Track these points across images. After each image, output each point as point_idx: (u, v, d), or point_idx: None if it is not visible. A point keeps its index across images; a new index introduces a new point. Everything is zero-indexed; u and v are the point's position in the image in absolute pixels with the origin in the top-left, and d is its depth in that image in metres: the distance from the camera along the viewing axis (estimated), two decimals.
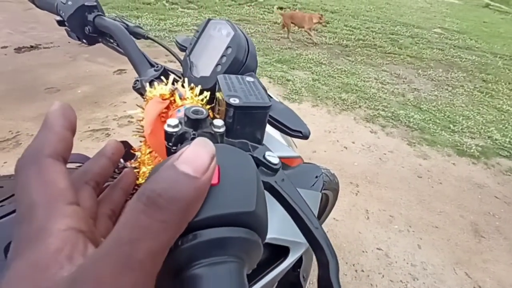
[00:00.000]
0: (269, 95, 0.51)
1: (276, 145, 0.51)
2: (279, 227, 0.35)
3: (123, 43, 0.43)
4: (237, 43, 0.36)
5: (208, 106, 0.29)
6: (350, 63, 3.62)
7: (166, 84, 0.28)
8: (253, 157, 0.24)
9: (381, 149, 2.10)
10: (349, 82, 3.04)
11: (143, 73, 0.42)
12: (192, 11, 4.92)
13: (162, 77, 0.41)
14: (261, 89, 0.27)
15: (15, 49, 2.95)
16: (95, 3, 0.45)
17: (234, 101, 0.23)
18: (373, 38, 4.75)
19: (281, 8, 5.99)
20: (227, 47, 0.37)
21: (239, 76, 0.28)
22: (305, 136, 0.33)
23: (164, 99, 0.26)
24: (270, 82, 2.79)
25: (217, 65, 0.38)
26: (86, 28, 0.44)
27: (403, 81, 3.32)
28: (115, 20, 0.47)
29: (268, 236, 0.32)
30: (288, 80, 2.86)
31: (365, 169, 1.88)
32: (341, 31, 4.93)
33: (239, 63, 0.36)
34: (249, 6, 5.81)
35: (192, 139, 0.21)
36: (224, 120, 0.23)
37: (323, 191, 1.05)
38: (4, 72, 2.46)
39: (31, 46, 3.07)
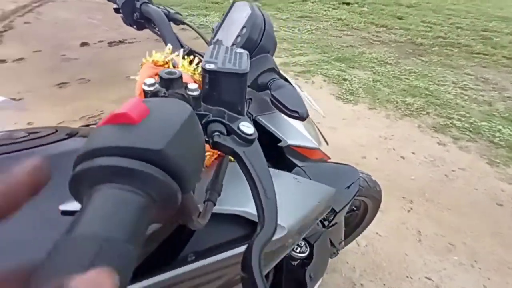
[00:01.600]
0: (285, 78, 0.47)
1: (291, 131, 0.49)
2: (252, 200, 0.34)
3: (160, 26, 0.47)
4: (252, 23, 0.35)
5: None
6: (422, 64, 3.18)
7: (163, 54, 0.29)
8: (225, 124, 0.24)
9: (450, 165, 1.79)
10: (418, 85, 2.68)
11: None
12: None
13: (185, 56, 0.42)
14: (245, 59, 0.25)
15: (108, 43, 3.52)
16: None
17: (209, 66, 0.23)
18: (458, 36, 4.06)
19: (347, 4, 5.64)
20: (243, 27, 0.36)
21: (229, 47, 0.27)
22: (302, 117, 0.31)
23: (157, 65, 0.27)
24: (324, 80, 2.66)
25: (232, 44, 0.37)
26: (135, 14, 0.50)
27: (493, 87, 2.75)
28: (158, 7, 0.51)
29: (241, 209, 0.31)
30: (345, 80, 2.68)
31: (424, 185, 1.63)
32: (416, 28, 4.36)
33: (253, 42, 0.35)
34: (313, 2, 5.64)
35: (163, 97, 0.22)
36: (202, 86, 0.23)
37: (359, 198, 0.96)
38: (98, 63, 2.97)
39: (119, 41, 3.62)
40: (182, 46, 0.46)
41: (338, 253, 1.02)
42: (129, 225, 0.12)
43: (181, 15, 0.52)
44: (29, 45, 2.89)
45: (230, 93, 0.24)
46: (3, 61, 2.53)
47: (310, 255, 0.61)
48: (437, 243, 1.34)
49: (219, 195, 0.26)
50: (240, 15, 0.38)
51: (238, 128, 0.24)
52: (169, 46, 0.33)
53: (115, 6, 0.51)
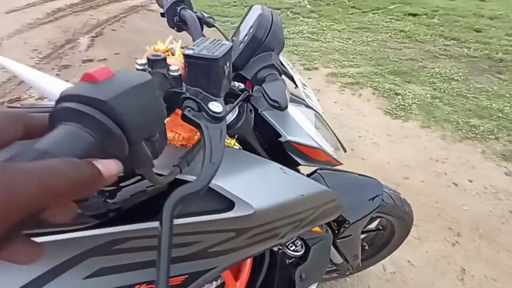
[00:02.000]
0: (291, 76, 0.50)
1: (294, 128, 0.50)
2: (231, 179, 0.36)
3: (191, 27, 0.55)
4: (258, 22, 0.40)
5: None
6: (499, 82, 2.74)
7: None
8: (197, 102, 0.28)
9: None
10: (489, 105, 2.32)
11: None
12: (312, 20, 5.07)
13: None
14: (222, 49, 0.29)
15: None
16: None
17: (187, 51, 0.28)
18: None
19: (414, 15, 5.23)
20: (250, 27, 0.41)
21: (216, 39, 0.31)
22: (281, 107, 0.34)
23: (159, 52, 0.34)
24: (373, 93, 2.53)
25: (240, 43, 0.42)
26: (175, 18, 0.60)
27: None
28: (195, 12, 0.61)
29: (215, 182, 0.34)
30: (397, 94, 2.49)
31: (478, 218, 1.41)
32: (498, 42, 3.78)
33: (258, 41, 0.40)
34: (374, 13, 5.39)
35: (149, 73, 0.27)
36: (184, 69, 0.28)
37: (385, 216, 0.89)
38: None
39: (181, 47, 4.06)
40: None
41: (352, 270, 0.97)
42: (73, 153, 0.16)
43: (213, 19, 0.61)
44: (112, 48, 3.48)
45: (204, 76, 0.29)
46: (91, 60, 3.11)
47: (306, 256, 0.61)
48: (485, 287, 1.14)
49: (188, 164, 0.31)
50: (252, 16, 0.43)
51: (208, 106, 0.28)
52: (170, 37, 0.40)
53: (161, 11, 0.62)
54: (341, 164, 0.62)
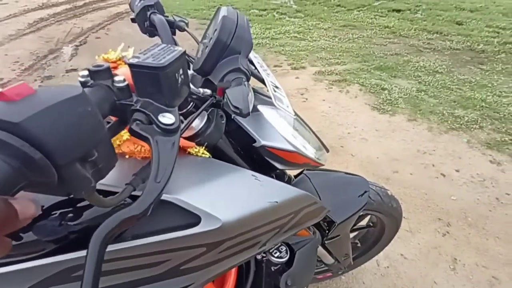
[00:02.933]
0: (261, 78, 0.49)
1: (269, 132, 0.49)
2: (196, 192, 0.35)
3: (160, 32, 0.54)
4: (222, 25, 0.39)
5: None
6: (482, 73, 2.81)
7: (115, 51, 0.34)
8: (146, 114, 0.27)
9: (504, 187, 1.54)
10: (473, 96, 2.37)
11: None
12: (298, 20, 5.10)
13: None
14: (170, 56, 0.28)
15: None
16: (152, 3, 0.58)
17: (132, 60, 0.26)
18: None
19: (398, 11, 5.32)
20: (215, 30, 0.40)
21: (168, 45, 0.30)
22: (241, 114, 0.33)
23: (108, 61, 0.33)
24: (360, 90, 2.55)
25: (206, 46, 0.42)
26: (146, 23, 0.58)
27: None
28: (166, 16, 0.60)
29: (178, 196, 0.33)
30: (384, 89, 2.52)
31: (466, 207, 1.43)
32: (479, 34, 3.88)
33: (222, 44, 0.39)
34: (359, 11, 5.47)
35: (90, 86, 0.26)
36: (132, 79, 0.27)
37: (374, 213, 0.90)
38: None
39: None
40: None
41: (345, 269, 0.96)
42: None
43: (185, 22, 0.60)
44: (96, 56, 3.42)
45: (153, 86, 0.27)
46: (75, 69, 3.05)
47: (291, 261, 0.60)
48: (477, 274, 1.15)
49: (143, 181, 0.28)
50: (218, 18, 0.43)
51: (158, 118, 0.26)
52: (122, 45, 0.39)
53: (132, 16, 0.61)
54: (322, 165, 0.62)
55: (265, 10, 5.70)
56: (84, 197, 0.22)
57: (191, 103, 0.47)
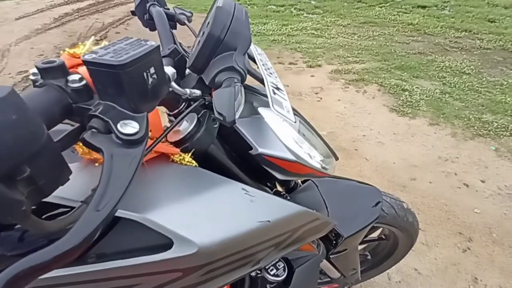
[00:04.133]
0: (260, 78, 0.44)
1: (269, 139, 0.44)
2: (171, 210, 0.31)
3: (158, 25, 0.51)
4: (215, 18, 0.34)
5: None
6: None
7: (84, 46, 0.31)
8: (104, 120, 0.23)
9: None
10: (504, 100, 2.19)
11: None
12: (316, 16, 4.96)
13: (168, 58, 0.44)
14: (134, 52, 0.23)
15: None
16: None
17: (87, 56, 0.22)
18: None
19: (423, 7, 5.03)
20: (207, 22, 0.36)
21: (140, 39, 0.26)
22: (225, 121, 0.28)
23: (75, 57, 0.29)
24: (379, 90, 2.43)
25: (198, 41, 0.37)
26: (145, 15, 0.55)
27: None
28: (167, 9, 0.56)
29: (147, 216, 0.29)
30: (404, 90, 2.38)
31: (491, 222, 1.32)
32: None
33: (215, 39, 0.34)
34: (381, 7, 5.23)
35: (39, 86, 0.22)
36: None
37: (387, 227, 0.83)
38: None
39: None
40: (175, 43, 0.48)
41: (352, 283, 0.90)
42: None
43: (186, 15, 0.56)
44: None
45: (114, 87, 0.23)
46: None
47: (289, 279, 0.55)
48: None
49: None
50: (212, 10, 0.38)
51: (116, 126, 0.22)
52: (92, 38, 0.36)
53: (132, 9, 0.58)
54: (328, 176, 0.56)
55: (282, 6, 5.59)
56: (17, 222, 0.18)
57: (183, 104, 0.43)
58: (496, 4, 4.85)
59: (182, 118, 0.36)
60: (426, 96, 2.29)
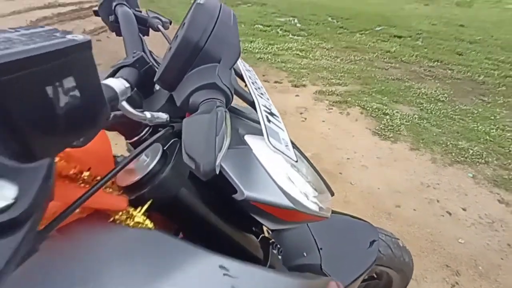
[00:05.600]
0: (251, 100, 0.36)
1: (258, 179, 0.35)
2: None
3: (123, 27, 0.42)
4: (192, 17, 0.26)
5: None
6: (483, 105, 2.76)
7: None
8: None
9: None
10: (476, 128, 2.29)
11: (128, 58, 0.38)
12: (301, 38, 5.12)
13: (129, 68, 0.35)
14: (38, 48, 0.14)
15: None
16: None
17: None
18: None
19: (399, 37, 5.39)
20: (183, 24, 0.28)
21: (54, 30, 0.17)
22: (200, 172, 0.19)
23: None
24: (361, 113, 2.46)
25: (170, 48, 0.29)
26: (111, 17, 0.46)
27: None
28: (139, 11, 0.47)
29: None
30: (385, 114, 2.44)
31: (476, 253, 1.30)
32: (479, 65, 3.90)
33: (192, 45, 0.26)
34: (361, 34, 5.53)
35: None
36: None
37: (380, 267, 0.75)
38: None
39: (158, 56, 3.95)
40: (144, 51, 0.39)
41: None
42: None
43: (162, 20, 0.48)
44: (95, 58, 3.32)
45: None
46: None
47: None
48: None
49: None
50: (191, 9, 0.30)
51: None
52: None
53: (94, 9, 0.49)
54: (326, 218, 0.48)
55: (269, 26, 5.74)
56: None
57: (146, 129, 0.34)
58: (463, 39, 5.32)
59: (138, 154, 0.26)
60: (406, 121, 2.35)
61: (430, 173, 1.79)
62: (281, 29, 5.61)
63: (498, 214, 1.51)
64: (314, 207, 0.42)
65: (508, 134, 2.23)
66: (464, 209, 1.53)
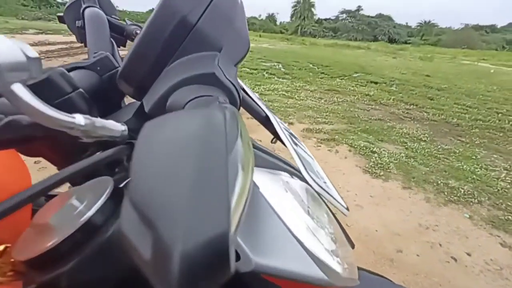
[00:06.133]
0: (263, 111, 0.26)
1: (269, 237, 0.23)
2: None
3: (89, 25, 0.32)
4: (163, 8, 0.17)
5: None
6: (463, 145, 2.87)
7: None
8: None
9: None
10: (462, 167, 2.32)
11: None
12: (286, 80, 5.39)
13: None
14: None
15: None
16: None
17: None
18: (499, 121, 3.78)
19: (375, 83, 5.84)
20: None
21: None
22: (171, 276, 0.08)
23: None
24: (349, 151, 2.45)
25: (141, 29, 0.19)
26: (78, 22, 0.37)
27: None
28: (116, 19, 0.39)
29: None
30: (373, 152, 2.43)
31: None
32: (450, 109, 4.20)
33: (178, 19, 0.16)
34: (341, 79, 5.95)
35: None
36: None
37: None
38: None
39: None
40: (114, 56, 0.30)
41: None
42: None
43: (140, 27, 0.39)
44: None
45: None
46: None
47: None
48: None
49: None
50: None
51: None
52: None
53: (60, 14, 0.40)
54: (353, 285, 0.35)
55: (256, 69, 6.06)
56: None
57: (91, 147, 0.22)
58: (431, 87, 5.85)
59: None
60: (394, 159, 2.34)
61: (426, 213, 1.71)
62: (267, 72, 5.92)
63: (504, 259, 1.41)
64: (340, 270, 0.29)
65: (493, 174, 2.27)
66: (469, 254, 1.42)
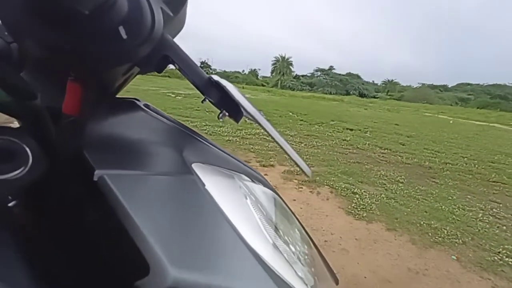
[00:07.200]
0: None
1: (214, 248, 0.17)
2: None
3: None
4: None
5: None
6: (438, 186, 2.95)
7: None
8: None
9: None
10: (441, 207, 2.34)
11: None
12: None
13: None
14: None
15: None
16: None
17: None
18: (466, 164, 4.03)
19: (351, 130, 6.21)
20: None
21: None
22: None
23: None
24: (331, 192, 2.42)
25: None
26: None
27: None
28: None
29: None
30: (355, 193, 2.42)
31: None
32: (421, 153, 4.46)
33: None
34: (319, 126, 6.27)
35: None
36: None
37: None
38: None
39: None
40: None
41: None
42: None
43: None
44: None
45: None
46: None
47: None
48: None
49: None
50: None
51: None
52: None
53: None
54: None
55: None
56: None
57: None
58: (401, 134, 6.30)
59: None
60: (376, 200, 2.32)
61: (414, 256, 1.62)
62: (248, 119, 6.13)
63: None
64: None
65: (470, 214, 2.29)
66: None
